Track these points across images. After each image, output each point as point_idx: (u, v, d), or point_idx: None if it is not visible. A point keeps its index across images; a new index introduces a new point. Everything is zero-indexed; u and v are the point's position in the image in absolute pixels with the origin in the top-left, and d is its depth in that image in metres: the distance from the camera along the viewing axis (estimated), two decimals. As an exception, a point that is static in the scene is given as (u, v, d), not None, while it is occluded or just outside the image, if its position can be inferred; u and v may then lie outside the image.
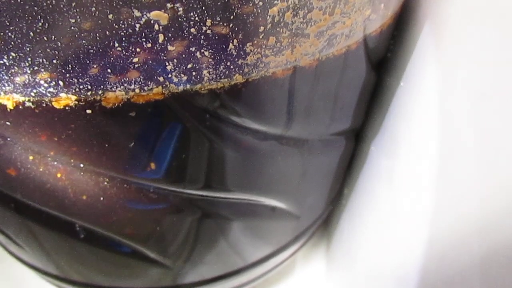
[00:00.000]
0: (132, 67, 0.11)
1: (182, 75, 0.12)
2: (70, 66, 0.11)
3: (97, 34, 0.10)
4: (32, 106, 0.12)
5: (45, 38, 0.10)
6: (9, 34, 0.10)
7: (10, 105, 0.12)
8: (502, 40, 0.12)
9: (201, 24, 0.11)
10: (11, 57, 0.10)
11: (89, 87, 0.11)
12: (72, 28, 0.10)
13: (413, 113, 0.18)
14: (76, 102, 0.11)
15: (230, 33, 0.11)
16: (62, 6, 0.09)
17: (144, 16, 0.10)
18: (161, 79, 0.11)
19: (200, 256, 0.20)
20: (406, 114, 0.19)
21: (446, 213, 0.15)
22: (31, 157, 0.13)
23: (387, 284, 0.21)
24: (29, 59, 0.10)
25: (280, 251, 0.24)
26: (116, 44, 0.10)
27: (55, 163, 0.14)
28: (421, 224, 0.17)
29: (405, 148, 0.19)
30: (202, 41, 0.11)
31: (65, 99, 0.11)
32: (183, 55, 0.11)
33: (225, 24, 0.11)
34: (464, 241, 0.14)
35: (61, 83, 0.11)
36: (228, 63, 0.12)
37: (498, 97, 0.13)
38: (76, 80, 0.11)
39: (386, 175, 0.21)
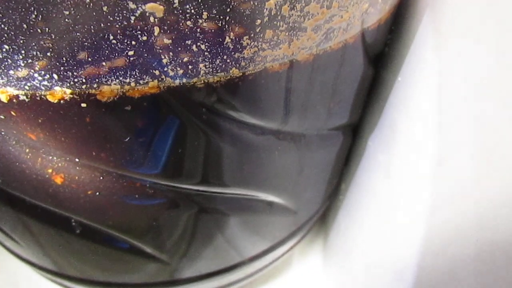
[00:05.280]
0: (127, 60, 0.11)
1: (178, 69, 0.11)
2: (64, 59, 0.10)
3: (92, 27, 0.10)
4: (27, 100, 0.11)
5: (39, 30, 0.10)
6: (2, 26, 0.10)
7: (4, 99, 0.11)
8: (501, 33, 0.12)
9: (197, 16, 0.11)
10: (4, 49, 0.10)
11: (84, 80, 0.11)
12: (66, 20, 0.10)
13: (411, 108, 0.18)
14: (71, 96, 0.11)
15: (226, 26, 0.11)
16: (55, -3, 0.09)
17: (139, 8, 0.10)
18: (156, 72, 0.11)
19: (197, 251, 0.20)
20: (404, 109, 0.19)
21: (443, 208, 0.15)
22: (26, 152, 0.13)
23: (383, 278, 0.21)
24: (23, 51, 0.10)
25: (277, 246, 0.24)
26: (111, 37, 0.10)
27: (50, 157, 0.14)
28: (418, 219, 0.17)
29: (402, 143, 0.19)
30: (198, 34, 0.11)
31: (60, 93, 0.11)
32: (179, 48, 0.11)
33: (221, 17, 0.11)
34: (461, 236, 0.14)
35: (55, 76, 0.11)
36: (225, 57, 0.12)
37: (496, 91, 0.12)
38: (70, 74, 0.11)
39: (383, 170, 0.21)
